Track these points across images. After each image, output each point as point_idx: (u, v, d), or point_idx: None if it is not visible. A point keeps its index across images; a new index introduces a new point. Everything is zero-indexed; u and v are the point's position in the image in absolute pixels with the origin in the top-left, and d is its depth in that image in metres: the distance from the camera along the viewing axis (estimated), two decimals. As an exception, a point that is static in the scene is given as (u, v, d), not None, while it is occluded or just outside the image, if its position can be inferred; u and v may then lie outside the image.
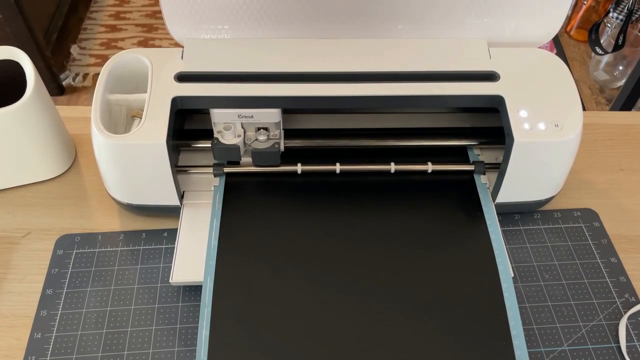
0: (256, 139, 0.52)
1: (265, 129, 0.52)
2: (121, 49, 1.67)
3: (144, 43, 1.69)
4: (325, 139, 0.55)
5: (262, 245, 0.48)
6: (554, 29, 0.54)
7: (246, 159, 0.53)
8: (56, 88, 1.55)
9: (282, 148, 0.52)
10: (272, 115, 0.50)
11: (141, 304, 0.48)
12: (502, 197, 0.52)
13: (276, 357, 0.43)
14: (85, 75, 1.61)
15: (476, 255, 0.48)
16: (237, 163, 0.53)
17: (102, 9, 1.81)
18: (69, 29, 1.70)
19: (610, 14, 1.18)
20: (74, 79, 1.59)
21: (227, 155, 0.52)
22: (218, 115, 0.50)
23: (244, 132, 0.51)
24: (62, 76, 1.58)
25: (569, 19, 1.44)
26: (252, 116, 0.50)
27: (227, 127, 0.51)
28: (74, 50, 1.66)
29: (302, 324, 0.44)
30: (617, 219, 0.55)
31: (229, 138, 0.51)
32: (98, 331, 0.46)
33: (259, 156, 0.52)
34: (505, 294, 0.46)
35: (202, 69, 0.50)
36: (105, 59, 1.63)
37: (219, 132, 0.51)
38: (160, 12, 0.51)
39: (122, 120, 0.52)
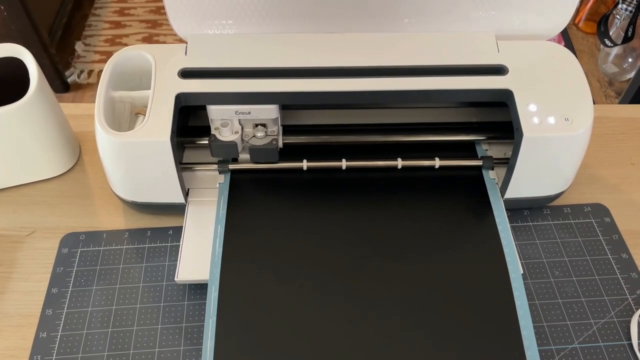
0: (254, 136, 0.51)
1: (264, 125, 0.51)
2: (126, 45, 1.67)
3: (148, 39, 1.69)
4: (330, 135, 0.55)
5: (268, 244, 0.48)
6: (562, 22, 0.53)
7: (244, 156, 0.53)
8: (61, 85, 1.54)
9: (280, 145, 0.52)
10: (270, 112, 0.49)
11: (146, 303, 0.48)
12: (511, 193, 0.51)
13: None
14: (90, 72, 1.60)
15: (485, 252, 0.48)
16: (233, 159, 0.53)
17: (106, 6, 1.80)
18: (74, 26, 1.70)
19: (619, 6, 1.17)
20: (78, 76, 1.59)
21: (225, 152, 0.51)
22: (215, 112, 0.49)
23: (242, 129, 0.51)
24: (67, 73, 1.58)
25: (577, 10, 1.43)
26: (249, 112, 0.49)
27: (224, 123, 0.50)
28: (79, 47, 1.66)
29: (307, 329, 0.44)
30: (629, 214, 0.54)
31: (226, 135, 0.50)
32: (103, 330, 0.46)
33: (256, 153, 0.51)
34: (515, 292, 0.45)
35: (206, 65, 0.50)
36: (110, 55, 1.62)
37: (216, 128, 0.50)
38: (164, 7, 0.50)
39: (125, 118, 0.51)
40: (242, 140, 0.51)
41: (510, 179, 0.50)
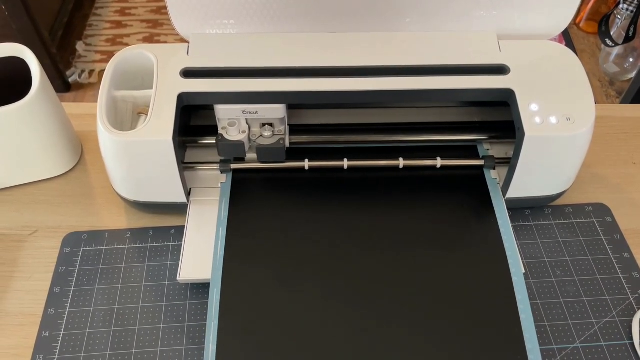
0: (261, 135, 0.51)
1: (271, 124, 0.51)
2: (127, 45, 1.67)
3: (149, 39, 1.69)
4: (332, 135, 0.55)
5: (270, 246, 0.48)
6: (564, 21, 0.53)
7: (251, 155, 0.53)
8: (62, 85, 1.55)
9: (287, 144, 0.52)
10: (277, 111, 0.49)
11: (149, 302, 0.48)
12: (512, 192, 0.51)
13: None
14: (91, 72, 1.61)
15: (487, 252, 0.48)
16: (243, 159, 0.53)
17: (107, 5, 1.81)
18: (75, 26, 1.70)
19: (620, 6, 1.17)
20: (79, 76, 1.59)
21: (232, 152, 0.51)
22: (222, 112, 0.50)
23: (249, 128, 0.51)
24: (68, 73, 1.58)
25: (578, 10, 1.43)
26: (256, 112, 0.49)
27: (232, 123, 0.50)
28: (80, 46, 1.66)
29: (309, 332, 0.44)
30: (630, 214, 0.54)
31: (233, 134, 0.50)
32: (106, 329, 0.46)
33: (264, 152, 0.51)
34: (517, 291, 0.45)
35: (208, 64, 0.50)
36: (110, 55, 1.63)
37: (223, 128, 0.51)
38: (165, 7, 0.50)
39: (128, 117, 0.51)
40: (250, 139, 0.51)
41: (511, 178, 0.50)
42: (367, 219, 0.50)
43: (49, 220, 0.54)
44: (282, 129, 0.51)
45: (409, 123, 0.56)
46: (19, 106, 0.50)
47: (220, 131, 0.51)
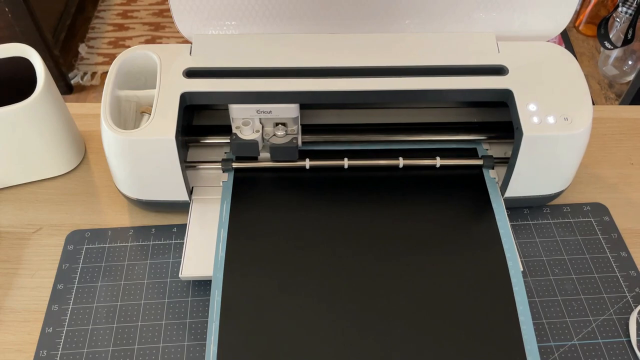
0: (274, 134, 0.52)
1: (284, 124, 0.52)
2: (129, 47, 1.68)
3: (151, 41, 1.70)
4: (337, 134, 0.55)
5: (271, 248, 0.48)
6: (562, 23, 0.53)
7: (263, 155, 0.53)
8: (65, 87, 1.55)
9: (299, 143, 0.52)
10: (290, 111, 0.50)
11: (151, 299, 0.48)
12: (511, 192, 0.52)
13: None
14: (94, 74, 1.61)
15: (485, 250, 0.48)
16: (248, 158, 0.53)
17: (110, 8, 1.82)
18: (77, 28, 1.71)
19: (619, 9, 1.17)
20: (82, 78, 1.60)
21: (246, 151, 0.52)
22: (236, 111, 0.50)
23: (262, 128, 0.51)
24: (70, 75, 1.59)
25: (577, 13, 1.43)
26: (270, 111, 0.50)
27: (246, 122, 0.51)
28: (82, 49, 1.67)
29: (309, 335, 0.44)
30: (627, 213, 0.55)
31: (247, 133, 0.51)
32: (109, 325, 0.47)
33: (277, 151, 0.52)
34: (515, 289, 0.46)
35: (211, 64, 0.50)
36: (113, 57, 1.64)
37: (237, 127, 0.51)
38: (167, 10, 0.51)
39: (131, 116, 0.52)
40: (263, 139, 0.52)
41: (510, 178, 0.50)
42: (367, 218, 0.50)
43: (52, 218, 0.54)
44: (295, 128, 0.52)
45: (410, 123, 0.57)
46: (24, 105, 0.50)
47: (234, 130, 0.51)
